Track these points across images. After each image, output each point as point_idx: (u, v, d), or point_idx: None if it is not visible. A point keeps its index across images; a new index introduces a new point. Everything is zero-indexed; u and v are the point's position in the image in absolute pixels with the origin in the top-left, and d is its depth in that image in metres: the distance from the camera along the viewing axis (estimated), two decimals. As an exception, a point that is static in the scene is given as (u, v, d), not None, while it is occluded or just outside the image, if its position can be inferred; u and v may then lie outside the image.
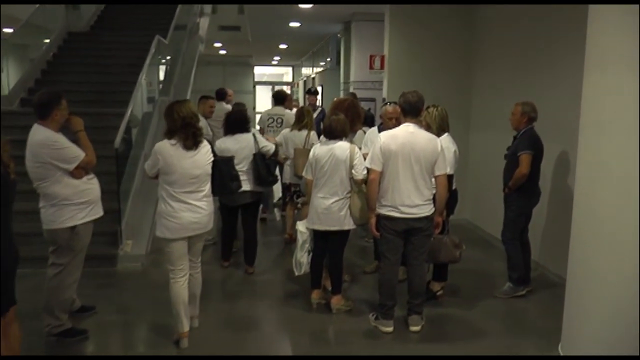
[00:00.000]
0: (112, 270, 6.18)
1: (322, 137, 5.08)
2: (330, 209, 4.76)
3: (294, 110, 9.00)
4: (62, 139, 4.21)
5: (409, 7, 8.24)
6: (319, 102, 10.63)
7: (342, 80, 13.35)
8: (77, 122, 4.40)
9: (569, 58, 5.77)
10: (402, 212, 4.31)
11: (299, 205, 6.69)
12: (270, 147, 6.03)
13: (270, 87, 27.42)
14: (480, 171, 7.95)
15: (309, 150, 5.21)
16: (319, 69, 18.77)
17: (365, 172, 4.64)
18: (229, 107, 8.61)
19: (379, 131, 5.77)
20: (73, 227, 4.25)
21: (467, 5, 8.17)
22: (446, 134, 5.09)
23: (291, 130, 6.83)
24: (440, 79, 8.17)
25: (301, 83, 25.05)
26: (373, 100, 11.37)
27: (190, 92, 11.30)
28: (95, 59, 10.09)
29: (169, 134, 4.15)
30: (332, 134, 4.84)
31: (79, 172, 4.26)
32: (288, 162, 6.85)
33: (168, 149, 4.11)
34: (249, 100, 26.10)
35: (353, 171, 4.70)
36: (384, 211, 4.37)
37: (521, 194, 5.25)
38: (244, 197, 5.79)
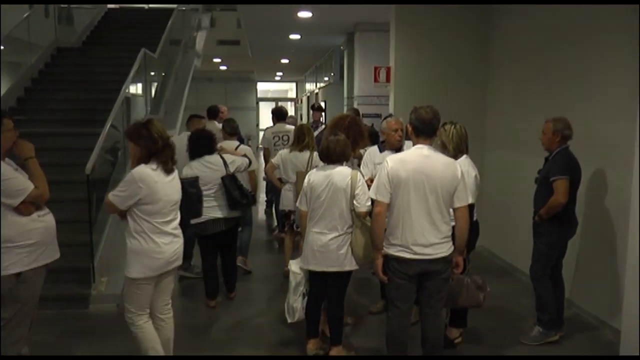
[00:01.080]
0: (83, 313, 5.44)
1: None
2: (328, 246, 4.03)
3: (289, 127, 8.37)
4: (5, 169, 3.49)
5: (416, 14, 7.55)
6: (322, 119, 9.94)
7: (345, 95, 12.65)
8: (26, 147, 3.66)
9: (601, 65, 5.06)
10: (414, 253, 3.55)
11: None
12: (242, 162, 5.57)
13: (274, 103, 26.84)
14: (497, 193, 7.19)
15: None
16: (323, 84, 18.11)
17: (369, 203, 3.92)
18: (219, 126, 7.93)
19: (381, 150, 5.10)
20: (18, 274, 3.51)
21: (481, 5, 7.46)
22: (464, 156, 4.38)
23: (290, 151, 6.12)
24: (452, 92, 7.46)
25: (305, 99, 24.41)
26: (378, 116, 10.65)
27: (183, 110, 10.68)
28: (83, 75, 9.49)
29: (147, 158, 3.58)
30: (330, 158, 4.12)
31: (26, 207, 3.50)
32: (287, 187, 6.15)
33: (151, 175, 3.54)
34: (252, 117, 25.58)
35: (355, 202, 3.97)
36: (393, 251, 3.61)
37: (555, 223, 4.51)
38: (217, 224, 5.43)
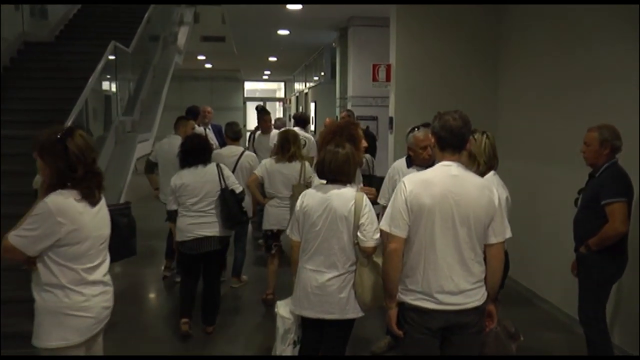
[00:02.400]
0: None
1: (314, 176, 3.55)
2: (325, 288, 3.20)
3: (273, 132, 7.64)
4: None
5: (420, 6, 6.74)
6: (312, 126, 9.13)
7: (338, 95, 11.80)
8: None
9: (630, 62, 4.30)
10: (439, 302, 2.73)
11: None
12: (239, 188, 4.94)
13: (262, 103, 25.99)
14: (514, 210, 6.38)
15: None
16: (312, 84, 17.27)
17: (377, 236, 3.10)
18: (201, 129, 7.09)
19: (408, 164, 4.21)
20: None
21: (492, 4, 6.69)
22: (492, 172, 3.58)
23: (277, 161, 5.34)
24: (460, 93, 6.65)
25: (294, 99, 23.54)
26: (374, 118, 9.85)
27: (161, 110, 9.81)
28: (53, 72, 8.56)
29: (61, 185, 2.61)
30: (325, 175, 3.30)
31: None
32: (273, 203, 5.38)
33: (75, 207, 2.60)
34: (239, 117, 24.62)
35: (359, 234, 3.15)
36: (411, 299, 2.78)
37: (606, 255, 3.72)
38: (209, 243, 4.77)
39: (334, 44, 11.97)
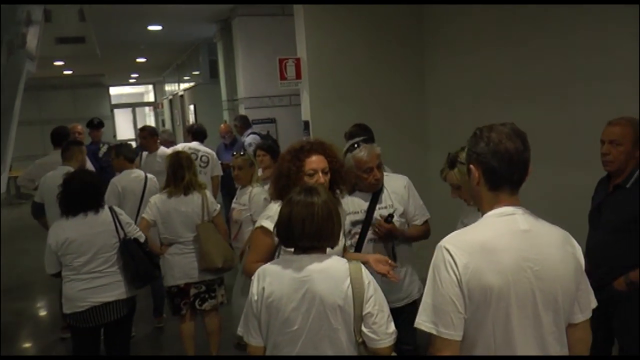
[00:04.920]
0: None
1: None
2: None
3: (161, 150, 6.41)
4: None
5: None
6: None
7: (224, 97, 10.46)
8: None
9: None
10: None
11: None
12: (143, 237, 3.82)
13: (131, 109, 23.90)
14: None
15: (219, 224, 4.24)
16: (188, 85, 15.71)
17: (393, 328, 2.02)
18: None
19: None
20: None
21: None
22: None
23: (169, 196, 4.14)
24: (386, 87, 5.76)
25: (166, 103, 21.70)
26: (272, 121, 8.68)
27: (15, 126, 8.00)
28: None
29: None
30: (300, 241, 2.18)
31: None
32: (174, 250, 4.18)
33: None
34: (107, 127, 22.31)
35: (366, 329, 2.03)
36: None
37: None
38: (111, 311, 3.67)
39: (214, 38, 10.59)
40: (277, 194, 2.69)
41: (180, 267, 4.23)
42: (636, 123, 2.96)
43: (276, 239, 2.46)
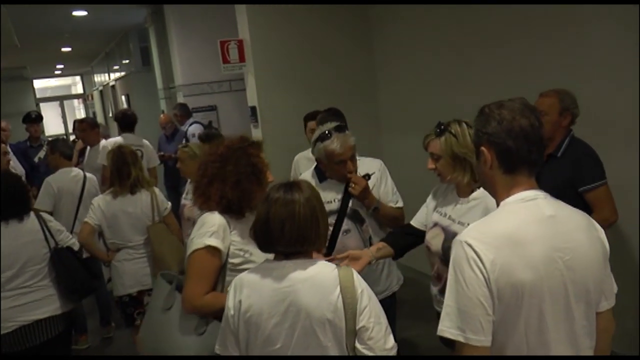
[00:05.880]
0: None
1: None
2: None
3: (103, 143, 5.95)
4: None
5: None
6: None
7: (160, 85, 9.94)
8: None
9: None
10: None
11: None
12: (77, 245, 3.45)
13: (59, 103, 22.74)
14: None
15: (171, 224, 3.91)
16: (119, 75, 14.97)
17: (392, 343, 1.78)
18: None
19: (320, 178, 3.00)
20: None
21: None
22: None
23: (114, 196, 3.79)
24: (336, 67, 5.51)
25: (97, 94, 20.71)
26: (213, 108, 8.30)
27: None
28: None
29: None
30: (280, 246, 1.88)
31: None
32: (124, 257, 3.82)
33: None
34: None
35: (360, 346, 1.77)
36: None
37: None
38: (45, 329, 3.21)
39: (145, 23, 10.04)
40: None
41: (131, 274, 3.84)
42: (564, 94, 3.07)
43: (224, 258, 2.17)
